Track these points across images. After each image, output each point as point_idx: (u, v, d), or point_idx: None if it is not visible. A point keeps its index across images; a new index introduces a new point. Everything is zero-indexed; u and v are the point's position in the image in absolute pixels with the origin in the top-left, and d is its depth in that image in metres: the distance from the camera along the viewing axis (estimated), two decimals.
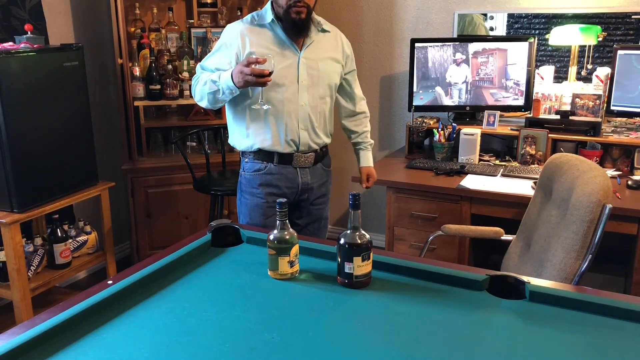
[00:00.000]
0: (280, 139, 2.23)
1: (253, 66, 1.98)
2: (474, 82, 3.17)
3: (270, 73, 2.01)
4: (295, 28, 2.16)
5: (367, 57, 3.68)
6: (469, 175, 2.85)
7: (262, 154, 2.27)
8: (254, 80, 2.00)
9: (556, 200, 2.11)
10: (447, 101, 3.22)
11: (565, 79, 3.09)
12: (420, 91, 3.23)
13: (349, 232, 1.47)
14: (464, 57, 3.15)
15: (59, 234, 2.82)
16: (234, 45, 2.20)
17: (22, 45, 2.55)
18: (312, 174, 2.34)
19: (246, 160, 2.33)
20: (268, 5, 2.22)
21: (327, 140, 2.38)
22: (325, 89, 2.28)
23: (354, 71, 2.44)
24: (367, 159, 2.58)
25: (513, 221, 2.46)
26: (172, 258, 1.60)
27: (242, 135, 2.27)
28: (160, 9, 3.34)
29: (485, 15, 3.31)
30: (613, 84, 2.85)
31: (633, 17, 2.97)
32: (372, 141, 2.59)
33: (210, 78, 2.16)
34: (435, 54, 3.17)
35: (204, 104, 2.25)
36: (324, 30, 2.30)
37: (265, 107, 2.15)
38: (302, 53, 2.21)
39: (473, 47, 3.13)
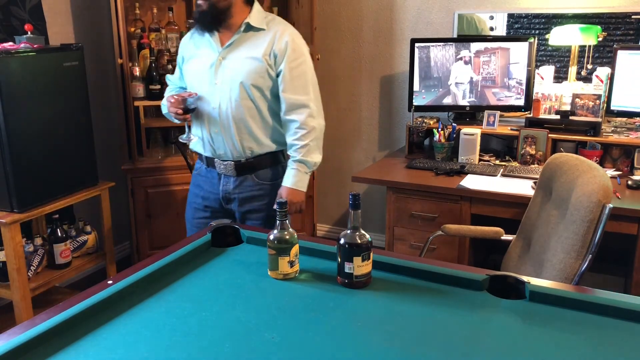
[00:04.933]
0: (202, 141, 2.26)
1: (170, 103, 2.17)
2: (477, 81, 3.17)
3: (190, 110, 2.16)
4: (198, 22, 2.14)
5: (367, 57, 3.68)
6: (469, 175, 2.85)
7: (198, 154, 2.34)
8: (175, 116, 2.19)
9: (556, 200, 2.11)
10: (455, 101, 3.22)
11: (565, 79, 3.09)
12: (423, 90, 3.23)
13: (349, 232, 1.47)
14: (471, 54, 3.14)
15: (59, 234, 2.82)
16: (179, 54, 2.35)
17: (22, 45, 2.55)
18: (237, 184, 2.23)
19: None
20: None
21: (261, 150, 2.20)
22: (242, 90, 2.12)
23: (283, 73, 2.13)
24: (288, 178, 2.19)
25: (513, 221, 2.46)
26: (172, 258, 1.60)
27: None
28: (160, 9, 3.34)
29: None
30: (613, 84, 2.85)
31: (633, 17, 2.97)
32: (310, 160, 2.17)
33: (163, 101, 2.34)
34: (438, 53, 3.17)
35: None
36: (255, 29, 2.15)
37: (192, 139, 2.27)
38: (221, 53, 2.15)
39: (475, 46, 3.13)
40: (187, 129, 2.26)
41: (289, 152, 2.21)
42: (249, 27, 2.15)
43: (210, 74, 2.16)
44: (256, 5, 2.19)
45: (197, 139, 2.28)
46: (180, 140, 2.30)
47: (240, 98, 2.13)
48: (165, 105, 2.30)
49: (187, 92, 2.20)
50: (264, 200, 2.26)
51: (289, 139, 2.19)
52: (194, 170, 2.41)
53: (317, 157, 2.21)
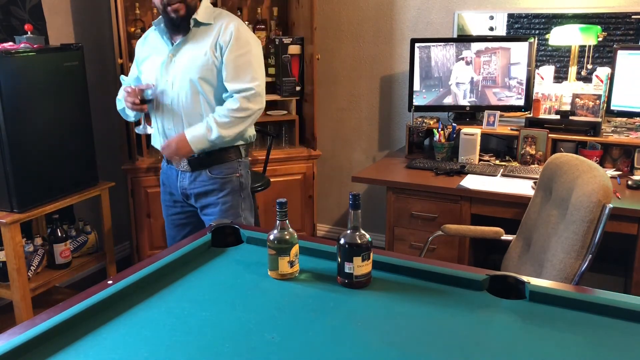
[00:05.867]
0: (159, 138, 2.30)
1: (127, 94, 2.19)
2: (478, 81, 3.17)
3: (147, 101, 2.20)
4: (173, 26, 2.19)
5: (367, 57, 3.68)
6: (469, 175, 2.85)
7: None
8: (131, 107, 2.20)
9: (556, 200, 2.11)
10: (456, 100, 3.22)
11: (565, 79, 3.09)
12: (423, 90, 3.23)
13: (349, 232, 1.47)
14: (472, 55, 3.14)
15: (59, 234, 2.82)
16: (135, 56, 2.38)
17: (22, 45, 2.55)
18: (192, 179, 2.27)
19: None
20: None
21: (213, 146, 2.20)
22: (192, 86, 2.16)
23: (227, 63, 2.15)
24: (192, 129, 2.17)
25: (513, 221, 2.46)
26: (172, 258, 1.60)
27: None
28: None
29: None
30: (613, 84, 2.85)
31: (633, 17, 2.97)
32: (220, 133, 2.14)
33: (118, 97, 2.35)
34: (438, 53, 3.17)
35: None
36: (203, 24, 2.19)
37: (148, 130, 2.31)
38: (171, 50, 2.21)
39: (475, 46, 3.13)
40: (143, 120, 2.31)
41: (215, 110, 2.18)
42: (197, 23, 2.19)
43: (162, 71, 2.22)
44: (205, 1, 2.23)
45: (154, 130, 2.32)
46: (137, 131, 2.35)
47: (191, 94, 2.18)
48: (120, 100, 2.31)
49: (145, 84, 2.24)
50: (217, 194, 2.27)
51: (224, 104, 2.18)
52: (162, 168, 2.44)
53: (228, 134, 2.16)
